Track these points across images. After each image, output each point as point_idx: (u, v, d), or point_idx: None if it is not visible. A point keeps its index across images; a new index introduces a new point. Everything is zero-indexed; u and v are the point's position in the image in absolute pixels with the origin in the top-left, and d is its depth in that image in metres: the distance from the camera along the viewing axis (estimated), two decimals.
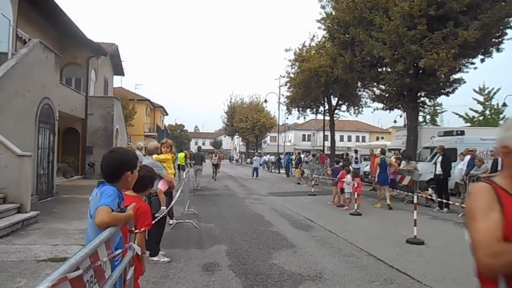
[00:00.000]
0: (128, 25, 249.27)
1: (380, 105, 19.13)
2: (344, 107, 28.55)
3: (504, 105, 29.26)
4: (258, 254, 6.15)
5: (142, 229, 2.92)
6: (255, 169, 26.81)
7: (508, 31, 14.82)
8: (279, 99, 36.72)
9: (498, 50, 15.27)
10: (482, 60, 15.70)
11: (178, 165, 18.75)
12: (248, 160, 56.19)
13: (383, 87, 18.38)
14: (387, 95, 18.27)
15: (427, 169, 13.52)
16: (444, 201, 11.04)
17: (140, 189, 3.18)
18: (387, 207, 11.65)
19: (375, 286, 4.81)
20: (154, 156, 6.26)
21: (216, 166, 23.28)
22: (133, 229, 2.64)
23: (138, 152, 9.13)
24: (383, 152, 13.98)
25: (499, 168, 10.29)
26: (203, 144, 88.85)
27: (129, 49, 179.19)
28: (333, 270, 5.39)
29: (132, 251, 2.56)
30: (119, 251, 2.32)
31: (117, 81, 33.11)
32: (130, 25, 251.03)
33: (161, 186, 5.97)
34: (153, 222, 5.18)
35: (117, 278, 2.19)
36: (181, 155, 20.25)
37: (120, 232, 2.39)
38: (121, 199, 2.42)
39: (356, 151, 22.91)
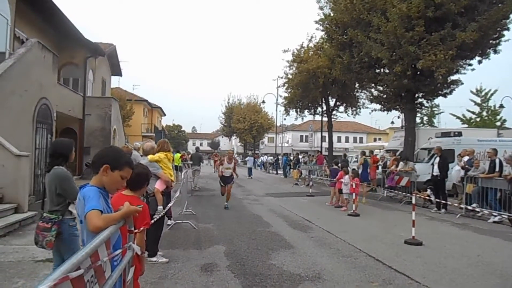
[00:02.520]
0: (126, 25, 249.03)
1: (378, 106, 19.14)
2: (342, 108, 28.62)
3: (501, 106, 29.37)
4: (257, 255, 6.14)
5: (141, 228, 2.91)
6: (249, 169, 27.92)
7: (505, 32, 14.88)
8: (277, 100, 36.81)
9: (495, 51, 15.31)
10: (480, 62, 15.74)
11: (176, 166, 18.69)
12: (240, 161, 56.33)
13: (381, 88, 18.39)
14: (385, 96, 18.29)
15: (424, 170, 13.55)
16: (442, 201, 11.07)
17: (137, 187, 3.15)
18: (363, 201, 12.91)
19: (374, 286, 4.81)
20: (149, 156, 6.25)
21: (227, 182, 11.59)
22: (133, 229, 2.63)
23: (135, 153, 9.13)
24: (363, 153, 16.11)
25: (496, 169, 10.33)
26: (201, 144, 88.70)
27: (127, 49, 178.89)
28: (332, 270, 5.39)
29: (131, 251, 2.55)
30: (119, 251, 2.31)
31: (114, 82, 33.18)
32: (128, 25, 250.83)
33: (158, 186, 5.97)
34: (151, 222, 5.18)
35: (117, 278, 2.18)
36: (177, 155, 20.18)
37: (118, 232, 2.37)
38: (106, 196, 2.40)
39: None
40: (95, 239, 1.85)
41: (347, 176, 11.66)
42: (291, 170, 27.15)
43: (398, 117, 32.15)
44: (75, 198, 3.76)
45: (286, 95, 28.92)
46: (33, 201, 10.19)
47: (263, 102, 44.37)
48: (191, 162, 18.10)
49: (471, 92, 33.90)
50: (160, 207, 5.75)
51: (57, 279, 1.31)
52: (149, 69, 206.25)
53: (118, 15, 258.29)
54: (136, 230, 2.72)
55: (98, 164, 2.39)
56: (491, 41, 14.97)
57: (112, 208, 2.46)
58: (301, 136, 65.99)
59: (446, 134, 16.41)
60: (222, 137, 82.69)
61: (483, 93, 33.69)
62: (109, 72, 26.43)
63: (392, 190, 14.06)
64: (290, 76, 27.52)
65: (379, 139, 59.14)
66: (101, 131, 19.85)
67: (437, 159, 12.09)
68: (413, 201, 7.87)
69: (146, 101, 42.52)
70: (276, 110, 38.93)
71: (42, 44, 11.85)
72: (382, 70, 17.00)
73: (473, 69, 16.17)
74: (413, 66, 14.86)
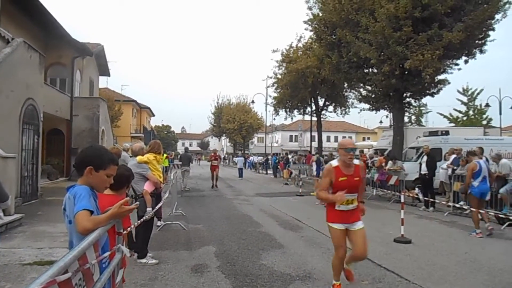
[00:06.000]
0: (114, 25, 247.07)
1: (367, 106, 19.29)
2: (331, 108, 28.82)
3: (487, 105, 29.79)
4: (247, 255, 6.13)
5: (128, 228, 2.88)
6: (240, 170, 27.12)
7: (490, 33, 15.12)
8: (266, 100, 36.77)
9: (481, 51, 15.55)
10: (466, 61, 15.97)
11: (164, 167, 18.55)
12: (227, 161, 56.54)
13: (369, 88, 18.54)
14: (373, 95, 18.44)
15: (413, 169, 13.66)
16: (430, 200, 11.17)
17: (117, 188, 3.16)
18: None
19: (364, 285, 4.84)
20: (138, 157, 6.19)
21: None
22: (121, 231, 2.60)
23: (125, 154, 9.03)
24: (316, 152, 17.85)
25: None
26: (190, 145, 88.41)
27: (115, 49, 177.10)
28: (322, 270, 5.40)
29: (120, 253, 2.52)
30: (108, 253, 2.28)
31: (102, 82, 32.75)
32: (116, 25, 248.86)
33: (147, 187, 5.92)
34: (140, 222, 5.14)
35: (106, 281, 2.15)
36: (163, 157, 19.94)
37: (106, 233, 2.34)
38: (95, 196, 2.36)
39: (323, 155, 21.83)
40: (83, 242, 1.82)
41: None
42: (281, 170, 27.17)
43: (387, 117, 32.52)
44: (6, 199, 3.73)
45: (276, 95, 28.99)
46: (19, 204, 10.05)
47: (253, 102, 44.52)
48: (180, 163, 17.98)
49: (458, 91, 34.35)
50: (149, 209, 5.71)
51: (44, 283, 1.28)
52: (137, 69, 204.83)
53: (106, 14, 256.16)
54: (124, 231, 2.70)
55: (81, 166, 2.34)
56: (477, 41, 15.20)
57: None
58: (291, 136, 66.11)
59: (433, 133, 16.58)
60: (212, 137, 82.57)
61: (469, 93, 34.14)
62: (97, 72, 26.15)
63: (383, 190, 14.18)
64: (279, 76, 27.59)
65: (368, 138, 59.53)
66: (89, 132, 19.63)
67: (425, 157, 12.21)
68: (402, 200, 7.93)
69: (135, 101, 42.16)
70: (266, 110, 39.04)
71: (28, 44, 11.68)
72: (370, 70, 17.14)
73: (459, 69, 16.43)
74: (401, 66, 15.01)
